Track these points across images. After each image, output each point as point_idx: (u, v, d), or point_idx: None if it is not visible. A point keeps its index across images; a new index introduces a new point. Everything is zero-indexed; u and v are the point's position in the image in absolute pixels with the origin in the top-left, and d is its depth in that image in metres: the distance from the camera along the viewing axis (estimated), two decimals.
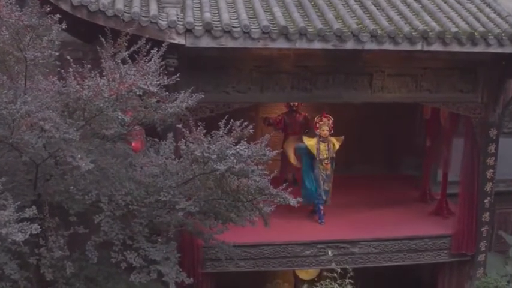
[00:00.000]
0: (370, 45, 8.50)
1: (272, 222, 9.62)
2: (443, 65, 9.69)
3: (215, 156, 5.55)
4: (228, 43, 8.19)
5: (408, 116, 13.40)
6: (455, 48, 8.79)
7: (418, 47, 8.67)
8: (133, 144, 8.66)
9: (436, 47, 8.73)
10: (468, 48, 8.82)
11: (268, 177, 6.24)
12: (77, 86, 5.45)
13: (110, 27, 7.63)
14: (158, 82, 6.01)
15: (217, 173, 5.64)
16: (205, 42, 8.16)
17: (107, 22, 7.85)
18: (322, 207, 10.95)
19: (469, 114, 10.05)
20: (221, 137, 5.92)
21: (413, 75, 9.74)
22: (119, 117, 5.63)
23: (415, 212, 11.49)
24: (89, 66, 6.06)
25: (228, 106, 9.29)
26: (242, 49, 8.49)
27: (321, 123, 11.03)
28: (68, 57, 6.54)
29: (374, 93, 9.68)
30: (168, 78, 6.63)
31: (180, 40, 8.11)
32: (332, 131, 11.08)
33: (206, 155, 5.59)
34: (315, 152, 10.95)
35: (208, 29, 8.09)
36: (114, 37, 7.22)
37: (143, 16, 7.99)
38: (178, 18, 8.18)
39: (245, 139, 6.00)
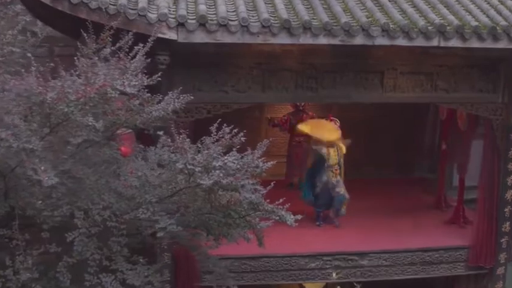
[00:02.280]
0: (381, 41, 7.74)
1: (274, 232, 9.03)
2: (461, 62, 8.93)
3: (200, 168, 4.82)
4: (224, 38, 7.45)
5: (422, 116, 12.82)
6: (475, 44, 8.02)
7: (434, 42, 7.90)
8: (122, 148, 7.99)
9: (454, 42, 7.97)
10: (489, 44, 8.07)
11: (263, 191, 5.47)
12: (40, 88, 4.72)
13: (94, 21, 6.97)
14: (136, 82, 5.24)
15: (203, 187, 4.91)
16: (199, 37, 7.42)
17: (90, 15, 7.13)
18: (321, 212, 10.48)
19: (488, 116, 9.28)
20: (209, 145, 5.17)
21: (429, 73, 8.98)
22: (90, 123, 4.89)
23: (429, 220, 10.73)
24: (52, 64, 5.33)
25: (227, 107, 8.57)
26: (241, 45, 7.76)
27: None
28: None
29: (386, 93, 8.93)
30: (153, 77, 5.84)
31: (171, 35, 7.38)
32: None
33: (190, 167, 4.86)
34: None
35: (202, 23, 7.35)
36: (101, 32, 6.52)
37: (130, 8, 7.27)
38: (169, 10, 7.45)
39: (237, 147, 5.24)
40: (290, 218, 5.29)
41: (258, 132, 13.05)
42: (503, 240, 9.66)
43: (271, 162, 5.36)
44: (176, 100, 5.85)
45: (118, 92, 5.11)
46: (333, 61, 8.58)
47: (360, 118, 12.57)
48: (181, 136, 5.37)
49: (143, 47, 6.28)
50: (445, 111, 11.02)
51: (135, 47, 6.18)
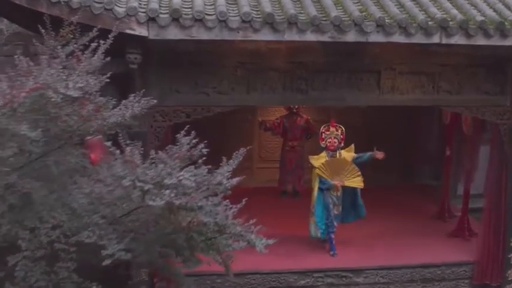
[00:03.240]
0: (376, 37, 6.97)
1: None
2: (465, 61, 8.15)
3: (150, 186, 4.07)
4: (200, 34, 6.71)
5: (424, 120, 12.15)
6: (480, 41, 7.24)
7: (436, 39, 7.13)
8: (92, 156, 7.26)
9: (458, 39, 7.19)
10: (496, 41, 7.28)
11: (232, 211, 4.69)
12: None
13: (55, 15, 6.27)
14: (82, 84, 4.50)
15: (156, 207, 4.16)
16: (173, 34, 6.68)
17: (50, 9, 6.40)
18: (333, 236, 9.28)
19: (495, 120, 8.48)
20: (164, 159, 4.42)
21: (430, 73, 8.20)
22: (23, 132, 4.16)
23: (430, 232, 9.96)
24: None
25: (208, 110, 7.83)
26: (223, 42, 7.02)
27: (327, 133, 9.30)
28: None
29: (383, 95, 8.15)
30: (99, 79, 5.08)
31: (141, 31, 6.65)
32: (342, 144, 9.39)
33: (139, 184, 4.12)
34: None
35: (175, 17, 6.61)
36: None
37: (96, 2, 6.54)
38: (140, 4, 6.72)
39: (199, 162, 4.46)
40: (260, 244, 4.52)
41: (250, 136, 12.43)
42: (511, 255, 8.84)
43: (239, 178, 4.57)
44: (136, 104, 5.07)
45: (61, 96, 4.36)
46: (324, 60, 7.80)
47: (358, 122, 12.02)
48: (131, 147, 4.61)
49: (103, 44, 5.56)
50: (448, 115, 10.27)
51: (102, 45, 5.48)
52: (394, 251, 9.15)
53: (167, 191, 4.00)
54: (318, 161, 9.19)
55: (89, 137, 7.27)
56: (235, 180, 4.45)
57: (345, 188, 9.22)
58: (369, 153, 9.24)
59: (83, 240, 4.72)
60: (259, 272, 8.45)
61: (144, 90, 7.38)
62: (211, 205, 4.20)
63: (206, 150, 4.57)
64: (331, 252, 9.14)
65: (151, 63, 7.42)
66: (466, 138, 9.80)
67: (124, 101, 5.14)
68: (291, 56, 7.72)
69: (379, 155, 9.14)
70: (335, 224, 9.23)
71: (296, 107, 11.47)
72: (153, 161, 4.54)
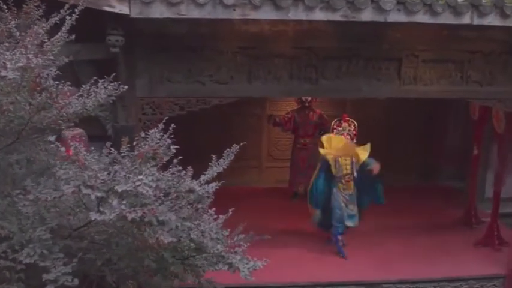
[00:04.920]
0: (397, 16, 6.00)
1: (267, 256, 7.47)
2: (498, 48, 7.22)
3: (99, 194, 3.12)
4: (190, 12, 5.79)
5: (449, 114, 11.33)
6: None
7: (466, 19, 6.15)
8: (69, 153, 6.38)
9: (492, 20, 6.21)
10: None
11: (217, 222, 3.76)
12: None
13: None
14: (21, 64, 3.57)
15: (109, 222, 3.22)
16: (158, 12, 5.76)
17: None
18: (340, 238, 8.48)
19: None
20: (120, 160, 3.48)
21: (458, 61, 7.25)
22: None
23: (456, 240, 8.92)
24: None
25: (204, 102, 6.92)
26: (219, 22, 6.14)
27: (339, 129, 8.57)
28: None
29: (404, 86, 7.22)
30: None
31: (121, 8, 5.73)
32: (355, 140, 8.61)
33: (85, 191, 3.18)
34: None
35: None
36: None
37: None
38: None
39: (163, 162, 3.50)
40: (245, 268, 3.56)
41: (259, 132, 11.49)
42: None
43: (216, 184, 3.61)
44: (103, 91, 4.14)
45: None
46: (336, 45, 6.89)
47: (376, 116, 11.18)
48: (75, 144, 3.68)
49: (69, 20, 4.66)
50: (477, 109, 9.27)
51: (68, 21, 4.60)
52: (415, 262, 8.15)
53: (115, 202, 3.06)
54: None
55: (66, 130, 6.49)
56: (211, 187, 3.49)
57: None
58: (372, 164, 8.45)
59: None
60: (265, 286, 7.43)
61: (130, 78, 6.66)
62: (177, 219, 3.23)
63: (176, 147, 3.60)
64: (341, 255, 8.40)
65: (138, 48, 6.60)
66: (497, 135, 8.80)
67: (84, 86, 4.20)
68: (298, 40, 6.82)
69: (376, 167, 8.43)
70: (347, 224, 8.49)
71: (308, 100, 10.50)
72: (113, 160, 3.61)
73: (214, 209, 3.98)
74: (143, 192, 3.05)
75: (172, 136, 4.04)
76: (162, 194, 3.21)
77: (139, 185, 3.07)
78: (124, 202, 3.08)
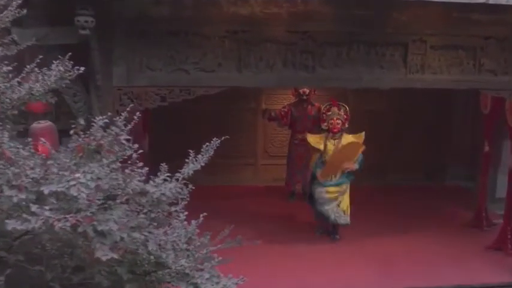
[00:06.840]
0: None
1: (258, 263, 6.80)
2: None
3: (25, 196, 2.43)
4: None
5: (458, 108, 10.85)
6: None
7: None
8: (39, 147, 5.74)
9: None
10: None
11: (189, 231, 3.08)
12: None
13: None
14: None
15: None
16: None
17: None
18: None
19: None
20: (54, 155, 2.81)
21: (470, 47, 6.62)
22: None
23: (465, 244, 8.25)
24: None
25: (188, 92, 6.25)
26: (205, 4, 5.50)
27: (328, 113, 8.30)
28: None
29: (410, 75, 6.59)
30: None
31: None
32: (347, 125, 8.28)
33: (8, 193, 2.46)
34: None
35: None
36: None
37: None
38: None
39: (118, 157, 2.80)
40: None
41: (253, 128, 10.86)
42: None
43: (175, 184, 2.91)
44: (54, 73, 3.46)
45: None
46: (336, 29, 6.26)
47: (380, 109, 10.69)
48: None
49: None
50: (488, 103, 8.58)
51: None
52: (421, 268, 7.49)
53: (34, 207, 2.38)
54: (312, 138, 8.45)
55: (35, 123, 5.97)
56: (169, 188, 2.79)
57: None
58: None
59: None
60: None
61: (105, 66, 6.05)
62: (123, 230, 2.54)
63: (127, 138, 2.91)
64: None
65: (115, 33, 5.95)
66: (510, 130, 8.09)
67: (26, 69, 3.52)
68: (293, 23, 6.19)
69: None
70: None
71: (307, 93, 9.82)
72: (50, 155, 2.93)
73: (186, 213, 3.29)
74: (73, 195, 2.38)
75: (136, 127, 3.38)
76: (101, 197, 2.52)
77: (73, 185, 2.40)
78: (47, 208, 2.40)
